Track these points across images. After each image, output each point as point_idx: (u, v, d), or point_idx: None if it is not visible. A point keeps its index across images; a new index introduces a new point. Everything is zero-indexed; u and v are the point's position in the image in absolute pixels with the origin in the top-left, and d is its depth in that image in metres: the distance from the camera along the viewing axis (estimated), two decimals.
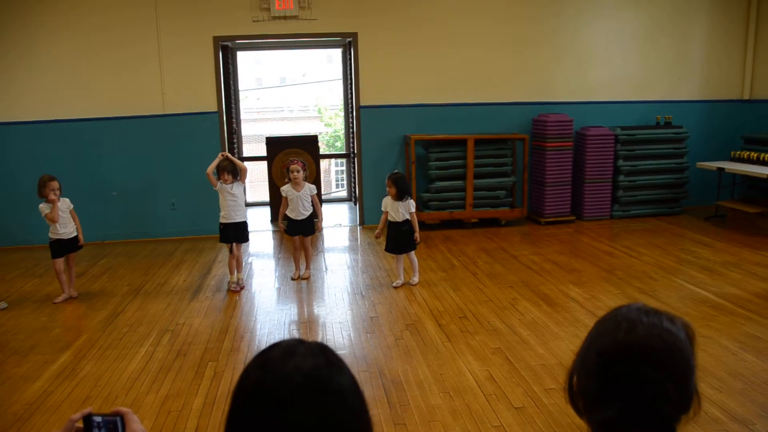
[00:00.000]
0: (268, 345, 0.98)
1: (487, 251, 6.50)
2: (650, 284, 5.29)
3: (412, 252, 5.48)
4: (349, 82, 8.42)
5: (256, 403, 0.89)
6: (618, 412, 1.01)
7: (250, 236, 6.24)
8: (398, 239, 5.39)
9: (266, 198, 8.70)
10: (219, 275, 5.97)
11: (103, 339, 4.47)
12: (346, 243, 7.30)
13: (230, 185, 5.38)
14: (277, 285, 5.68)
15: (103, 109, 7.24)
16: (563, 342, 4.14)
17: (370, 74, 7.63)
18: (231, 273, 5.55)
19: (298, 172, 5.55)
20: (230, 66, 8.22)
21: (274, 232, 7.74)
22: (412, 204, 5.36)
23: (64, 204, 5.26)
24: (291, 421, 0.86)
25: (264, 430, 0.87)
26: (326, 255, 6.66)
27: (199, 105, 7.40)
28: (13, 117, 7.16)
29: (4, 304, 5.22)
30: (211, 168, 5.41)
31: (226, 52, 7.93)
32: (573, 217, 7.77)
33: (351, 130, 8.63)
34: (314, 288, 5.55)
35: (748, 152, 7.45)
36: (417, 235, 5.39)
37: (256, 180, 11.25)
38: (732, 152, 7.75)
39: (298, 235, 5.71)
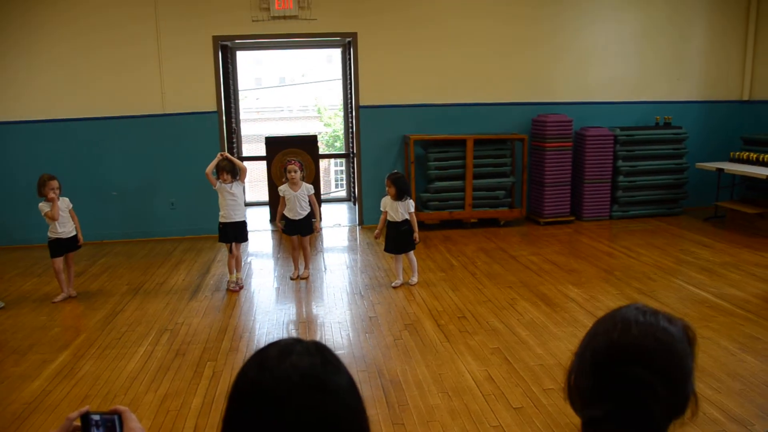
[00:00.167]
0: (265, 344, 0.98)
1: (486, 251, 6.50)
2: (649, 285, 5.30)
3: (411, 252, 5.48)
4: (348, 82, 8.42)
5: (253, 401, 0.89)
6: (604, 411, 1.01)
7: (250, 236, 6.24)
8: (397, 239, 5.39)
9: (266, 198, 8.70)
10: (218, 275, 5.97)
11: (102, 338, 4.47)
12: (346, 243, 7.30)
13: (229, 185, 5.38)
14: (276, 285, 5.68)
15: (102, 109, 7.24)
16: (562, 342, 4.14)
17: (369, 74, 7.63)
18: (230, 272, 5.55)
19: (295, 172, 5.56)
20: (230, 66, 8.21)
21: (273, 231, 7.74)
22: (411, 204, 5.36)
23: (64, 203, 5.26)
24: (288, 420, 0.86)
25: (261, 428, 0.87)
26: (325, 255, 6.66)
27: (199, 105, 7.40)
28: (12, 116, 7.15)
29: (1, 304, 5.22)
30: (210, 168, 5.42)
31: (225, 51, 7.93)
32: (572, 218, 7.77)
33: (350, 130, 8.63)
34: (313, 288, 5.55)
35: (747, 153, 7.46)
36: (416, 235, 5.39)
37: (256, 180, 11.26)
38: (731, 153, 7.76)
39: (296, 234, 5.71)
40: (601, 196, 7.80)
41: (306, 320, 4.84)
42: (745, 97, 8.40)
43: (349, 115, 8.62)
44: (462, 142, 7.43)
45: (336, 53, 9.48)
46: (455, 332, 4.38)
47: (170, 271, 6.16)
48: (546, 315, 4.65)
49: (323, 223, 7.96)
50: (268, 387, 0.88)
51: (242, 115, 9.12)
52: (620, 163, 7.78)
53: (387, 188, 5.37)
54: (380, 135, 7.74)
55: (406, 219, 5.34)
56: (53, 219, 5.16)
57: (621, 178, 7.82)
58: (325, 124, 21.51)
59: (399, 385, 3.62)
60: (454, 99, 7.78)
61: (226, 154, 5.64)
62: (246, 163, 5.77)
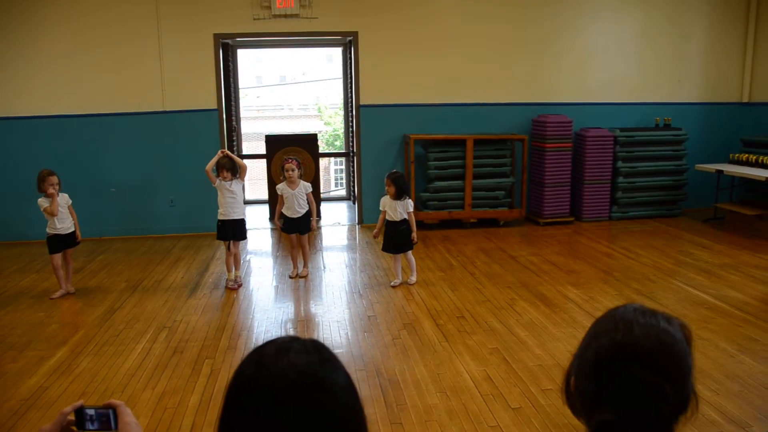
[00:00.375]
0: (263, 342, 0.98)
1: (486, 251, 6.50)
2: (648, 286, 5.29)
3: (410, 252, 5.48)
4: (349, 81, 8.42)
5: (251, 399, 0.88)
6: (617, 414, 1.00)
7: (249, 234, 6.24)
8: (396, 239, 5.39)
9: (265, 196, 8.70)
10: (217, 272, 5.96)
11: (100, 335, 4.46)
12: (345, 242, 7.30)
13: (229, 182, 5.38)
14: (274, 283, 5.68)
15: (103, 106, 7.23)
16: (561, 343, 4.14)
17: (370, 73, 7.63)
18: (228, 270, 5.54)
19: (292, 170, 5.56)
20: (230, 64, 8.21)
21: (272, 230, 7.74)
22: (410, 204, 5.36)
23: (63, 199, 5.25)
24: (285, 418, 0.86)
25: (258, 426, 0.87)
26: (324, 254, 6.66)
27: (199, 102, 7.39)
28: (13, 112, 7.15)
29: None
30: (211, 165, 5.42)
31: (226, 49, 7.92)
32: (572, 218, 7.77)
33: (350, 129, 8.62)
34: (312, 286, 5.55)
35: (746, 155, 7.46)
36: (414, 235, 5.38)
37: (255, 178, 11.24)
38: (731, 155, 7.76)
39: (295, 232, 5.71)
40: (600, 197, 7.80)
41: (304, 319, 4.84)
42: (745, 99, 8.40)
43: (350, 114, 8.61)
44: (462, 142, 7.43)
45: (337, 52, 9.48)
46: (454, 332, 4.38)
47: (169, 268, 6.16)
48: (545, 315, 4.65)
49: (322, 222, 7.98)
50: (266, 385, 0.88)
51: (242, 113, 9.11)
52: (620, 164, 7.78)
53: (386, 187, 5.36)
54: (380, 134, 7.73)
55: (405, 219, 5.34)
56: (52, 215, 5.15)
57: (620, 179, 7.82)
58: (325, 123, 21.51)
59: (397, 384, 3.61)
60: (454, 99, 7.77)
61: (227, 151, 5.63)
62: (246, 161, 5.77)
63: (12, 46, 7.02)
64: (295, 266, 5.82)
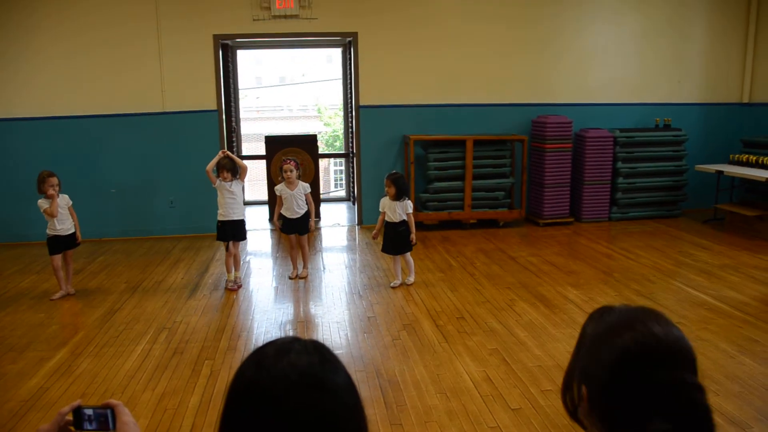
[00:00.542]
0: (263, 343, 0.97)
1: (486, 252, 6.50)
2: (648, 287, 5.29)
3: (408, 253, 5.47)
4: (348, 81, 8.42)
5: (251, 400, 0.88)
6: (671, 422, 0.92)
7: (248, 235, 6.24)
8: (395, 240, 5.39)
9: (265, 197, 8.70)
10: (216, 273, 5.96)
11: (100, 336, 4.46)
12: (344, 243, 7.29)
13: (229, 183, 5.39)
14: (274, 284, 5.68)
15: (103, 107, 7.23)
16: (560, 343, 4.14)
17: (369, 74, 7.63)
18: (228, 271, 5.54)
19: (291, 171, 5.56)
20: (230, 64, 8.21)
21: (272, 231, 7.74)
22: (409, 205, 5.36)
23: (63, 200, 5.25)
24: (286, 419, 0.85)
25: (259, 427, 0.87)
26: (324, 254, 6.66)
27: (199, 103, 7.39)
28: (13, 113, 7.15)
29: None
30: (211, 165, 5.42)
31: (226, 50, 7.92)
32: (571, 219, 7.77)
33: (350, 129, 8.62)
34: (312, 287, 5.55)
35: (746, 155, 7.46)
36: (413, 236, 5.38)
37: (255, 179, 11.25)
38: (731, 155, 7.76)
39: (294, 233, 5.71)
40: (600, 197, 7.80)
41: (304, 320, 4.84)
42: (745, 100, 8.40)
43: (349, 114, 8.61)
44: (462, 143, 7.43)
45: (336, 53, 9.48)
46: (454, 333, 4.38)
47: (169, 269, 6.16)
48: (544, 316, 4.65)
49: (322, 223, 7.98)
50: (266, 386, 0.88)
51: (242, 114, 9.12)
52: (620, 164, 7.78)
53: (386, 188, 5.36)
54: (380, 135, 7.74)
55: (404, 220, 5.34)
56: (52, 216, 5.15)
57: (620, 179, 7.82)
58: (325, 124, 21.53)
59: (397, 385, 3.61)
60: (454, 99, 7.77)
61: (228, 152, 5.63)
62: (245, 162, 5.77)
63: (11, 47, 7.02)
64: (295, 267, 5.82)
